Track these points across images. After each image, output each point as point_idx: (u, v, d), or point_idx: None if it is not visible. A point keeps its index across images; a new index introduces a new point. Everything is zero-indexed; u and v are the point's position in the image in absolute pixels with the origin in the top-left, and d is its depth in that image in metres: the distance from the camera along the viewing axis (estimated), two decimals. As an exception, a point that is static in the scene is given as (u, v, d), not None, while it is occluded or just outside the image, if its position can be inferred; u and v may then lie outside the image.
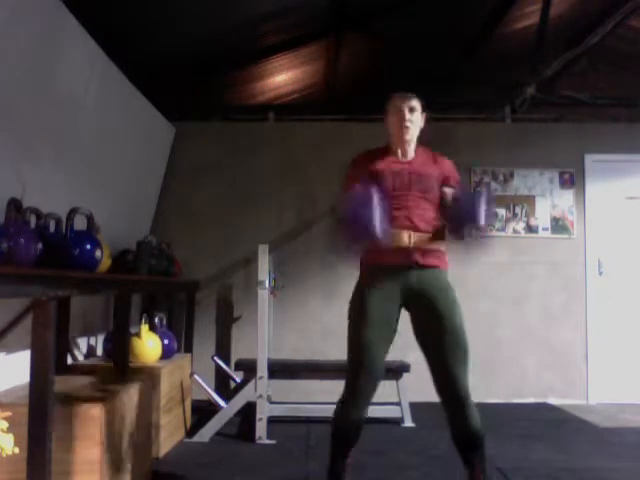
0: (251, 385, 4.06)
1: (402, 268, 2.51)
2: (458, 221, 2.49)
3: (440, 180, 2.64)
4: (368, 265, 2.59)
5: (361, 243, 2.46)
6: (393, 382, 4.31)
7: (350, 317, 2.59)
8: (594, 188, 5.57)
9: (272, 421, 4.13)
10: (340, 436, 2.60)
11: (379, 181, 2.52)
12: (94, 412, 2.51)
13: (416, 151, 2.70)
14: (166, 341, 4.02)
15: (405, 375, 4.29)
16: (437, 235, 2.56)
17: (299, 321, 5.40)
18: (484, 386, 5.22)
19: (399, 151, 2.67)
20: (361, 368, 2.51)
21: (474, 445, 2.50)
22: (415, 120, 2.64)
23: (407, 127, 2.61)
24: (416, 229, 2.51)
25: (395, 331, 2.58)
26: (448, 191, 2.63)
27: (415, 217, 2.52)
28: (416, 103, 2.65)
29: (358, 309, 2.55)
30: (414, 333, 2.59)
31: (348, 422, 2.56)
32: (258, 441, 3.94)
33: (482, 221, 2.40)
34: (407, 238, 2.50)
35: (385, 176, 2.57)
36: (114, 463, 2.66)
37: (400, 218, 2.50)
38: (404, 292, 2.52)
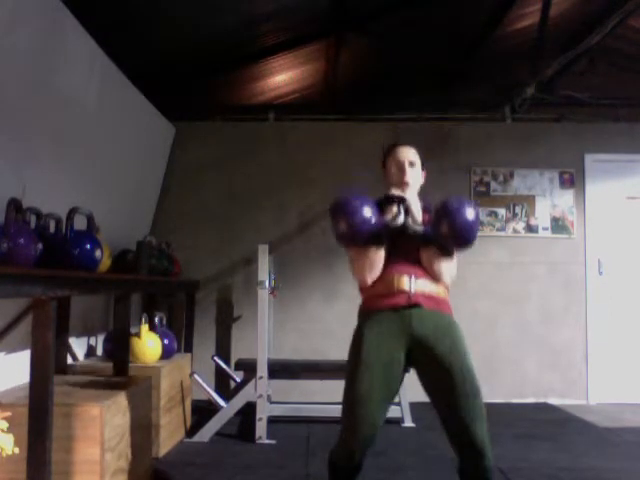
0: (251, 385, 4.06)
1: (403, 309, 2.36)
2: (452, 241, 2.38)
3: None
4: (367, 310, 2.44)
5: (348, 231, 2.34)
6: (393, 382, 4.30)
7: (348, 364, 2.39)
8: (594, 188, 5.57)
9: (272, 421, 4.13)
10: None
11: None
12: (94, 412, 2.52)
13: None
14: (166, 341, 4.03)
15: (405, 375, 4.27)
16: (439, 284, 2.43)
17: (299, 321, 5.40)
18: (484, 386, 5.21)
19: None
20: (355, 425, 2.33)
21: None
22: (415, 176, 2.54)
23: (407, 183, 2.50)
24: (417, 275, 2.40)
25: (400, 380, 2.40)
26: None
27: (416, 264, 2.42)
28: (416, 157, 2.56)
29: (356, 356, 2.36)
30: (422, 384, 2.42)
31: (344, 469, 2.43)
32: (258, 441, 3.94)
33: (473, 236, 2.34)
34: (408, 282, 2.38)
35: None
36: (114, 463, 2.66)
37: (401, 264, 2.41)
38: (407, 336, 2.35)
